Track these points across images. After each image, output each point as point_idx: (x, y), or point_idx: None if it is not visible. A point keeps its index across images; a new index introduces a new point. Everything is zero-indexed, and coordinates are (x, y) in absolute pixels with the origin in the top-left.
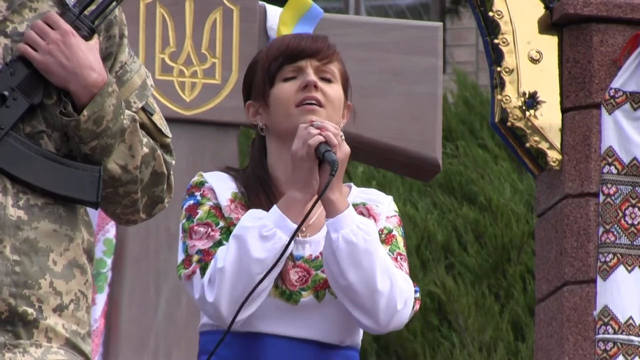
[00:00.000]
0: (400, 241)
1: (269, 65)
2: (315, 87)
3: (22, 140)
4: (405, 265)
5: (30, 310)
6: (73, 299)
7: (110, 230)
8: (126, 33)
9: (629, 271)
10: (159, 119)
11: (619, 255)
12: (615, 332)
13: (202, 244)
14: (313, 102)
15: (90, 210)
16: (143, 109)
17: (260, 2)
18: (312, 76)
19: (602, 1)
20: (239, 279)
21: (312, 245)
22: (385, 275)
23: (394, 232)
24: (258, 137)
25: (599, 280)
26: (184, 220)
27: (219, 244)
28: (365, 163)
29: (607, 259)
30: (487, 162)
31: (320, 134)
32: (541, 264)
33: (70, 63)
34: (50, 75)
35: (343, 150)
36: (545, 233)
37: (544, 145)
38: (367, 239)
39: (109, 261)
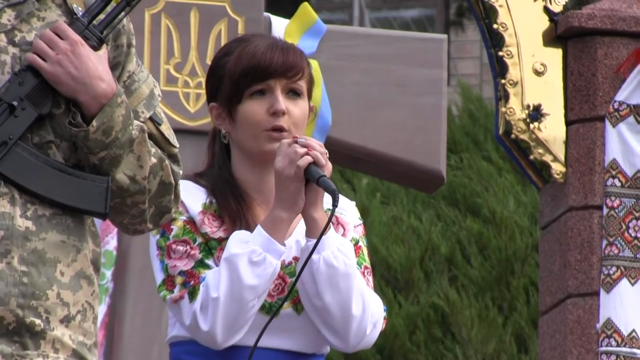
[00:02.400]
0: (365, 252)
1: (237, 80)
2: (283, 113)
3: (31, 150)
4: (371, 279)
5: (37, 321)
6: (80, 310)
7: (110, 242)
8: (134, 42)
9: (632, 284)
10: (166, 129)
11: (622, 268)
12: (618, 345)
13: (183, 264)
14: (279, 130)
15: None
16: (151, 118)
17: (265, 14)
18: (280, 103)
19: (607, 14)
20: (232, 307)
21: (286, 251)
22: (359, 299)
23: (360, 243)
24: (219, 139)
25: (602, 292)
26: (157, 237)
27: (200, 263)
28: (369, 174)
29: (611, 272)
30: (491, 175)
31: (307, 153)
32: (545, 276)
33: (79, 73)
34: (59, 85)
35: (328, 169)
36: (549, 245)
37: (548, 158)
38: (347, 263)
39: (108, 273)
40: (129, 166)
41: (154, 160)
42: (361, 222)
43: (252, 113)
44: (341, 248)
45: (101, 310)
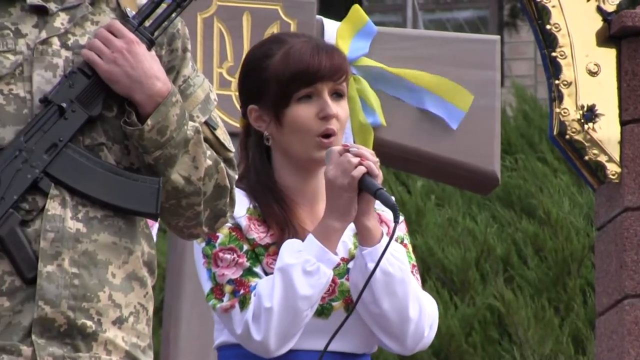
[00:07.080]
0: (411, 249)
1: (285, 84)
2: (335, 118)
3: (82, 152)
4: (418, 276)
5: (89, 323)
6: (133, 312)
7: None
8: (189, 47)
9: None
10: (222, 134)
11: None
12: None
13: (232, 273)
14: (330, 134)
15: None
16: (206, 123)
17: (318, 17)
18: (332, 108)
19: None
20: (287, 317)
21: None
22: (415, 302)
23: (405, 241)
24: (257, 141)
25: None
26: (203, 244)
27: (249, 271)
28: (424, 177)
29: None
30: (546, 176)
31: (361, 163)
32: (601, 277)
33: (135, 72)
34: (114, 84)
35: (380, 178)
36: (605, 246)
37: (602, 158)
38: (402, 268)
39: None
40: (184, 167)
41: (209, 162)
42: (402, 217)
43: (301, 118)
44: (395, 254)
45: None
